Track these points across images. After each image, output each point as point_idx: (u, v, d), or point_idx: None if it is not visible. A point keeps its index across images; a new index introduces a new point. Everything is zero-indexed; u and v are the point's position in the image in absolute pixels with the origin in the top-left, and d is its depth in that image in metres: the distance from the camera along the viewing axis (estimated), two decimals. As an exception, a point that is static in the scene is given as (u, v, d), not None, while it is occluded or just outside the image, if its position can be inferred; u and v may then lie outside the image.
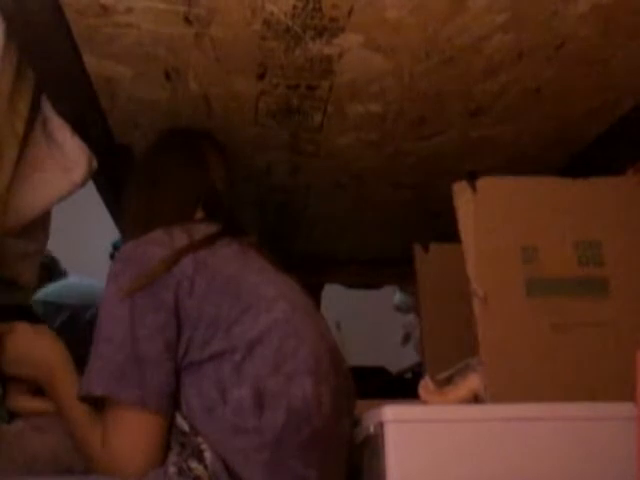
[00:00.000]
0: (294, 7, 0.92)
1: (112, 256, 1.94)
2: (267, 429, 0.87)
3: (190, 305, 0.91)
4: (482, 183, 1.08)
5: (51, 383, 0.98)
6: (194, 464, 0.86)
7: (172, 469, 0.86)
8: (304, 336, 0.94)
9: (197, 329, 0.90)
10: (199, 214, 1.11)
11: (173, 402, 0.90)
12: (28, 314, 1.23)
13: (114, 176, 1.37)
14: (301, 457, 0.89)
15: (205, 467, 0.86)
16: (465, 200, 1.08)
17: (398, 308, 2.39)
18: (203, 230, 1.01)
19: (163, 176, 1.14)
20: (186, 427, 0.89)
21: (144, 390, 0.88)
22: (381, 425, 0.89)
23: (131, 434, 0.88)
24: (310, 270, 1.94)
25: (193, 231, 0.99)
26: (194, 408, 0.89)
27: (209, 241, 0.98)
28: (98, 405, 0.93)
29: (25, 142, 1.15)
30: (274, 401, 0.88)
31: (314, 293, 1.06)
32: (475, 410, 0.94)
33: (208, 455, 0.87)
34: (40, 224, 1.26)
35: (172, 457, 0.88)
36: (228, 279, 0.94)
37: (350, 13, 0.93)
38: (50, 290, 1.76)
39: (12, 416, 1.10)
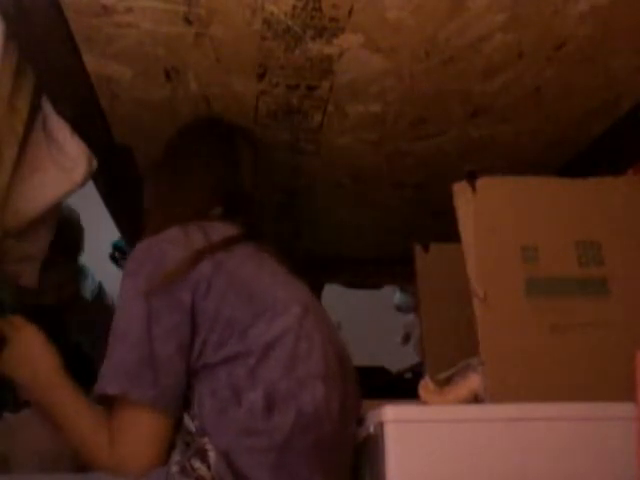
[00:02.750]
0: (294, 7, 0.92)
1: (112, 256, 1.94)
2: (276, 431, 0.88)
3: (206, 307, 0.91)
4: (482, 183, 1.08)
5: (51, 388, 0.95)
6: (197, 464, 0.86)
7: (175, 468, 0.86)
8: (315, 339, 0.94)
9: (213, 331, 0.90)
10: (217, 210, 1.09)
11: (182, 403, 0.91)
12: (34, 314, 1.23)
13: (114, 176, 1.38)
14: (307, 461, 0.90)
15: (208, 467, 0.86)
16: (465, 200, 1.08)
17: (398, 308, 2.39)
18: (220, 230, 1.00)
19: (190, 168, 1.11)
20: (192, 427, 0.89)
21: (157, 390, 0.88)
22: (381, 425, 0.89)
23: (140, 433, 0.89)
24: (310, 270, 1.93)
25: (209, 230, 0.98)
26: (206, 409, 0.89)
27: (227, 244, 0.98)
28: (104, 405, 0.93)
29: (25, 142, 1.15)
30: (284, 404, 0.89)
31: (314, 293, 1.05)
32: (475, 410, 0.94)
33: (212, 455, 0.87)
34: (42, 226, 1.26)
35: (175, 456, 0.88)
36: (244, 282, 0.94)
37: (350, 13, 0.93)
38: None
39: (19, 406, 1.10)
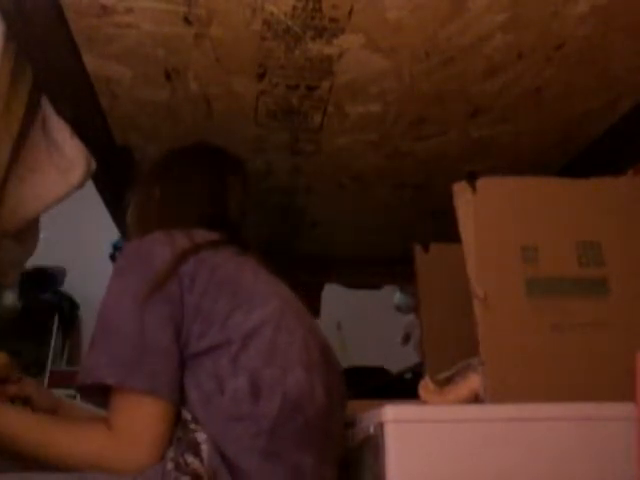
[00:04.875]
0: (294, 7, 0.92)
1: (112, 256, 1.95)
2: (262, 417, 0.89)
3: (190, 300, 0.93)
4: (482, 183, 1.08)
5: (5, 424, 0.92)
6: (190, 458, 0.87)
7: (169, 465, 0.87)
8: (295, 332, 0.97)
9: (195, 322, 0.92)
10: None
11: (180, 391, 0.92)
12: None
13: (114, 176, 1.38)
14: (296, 445, 0.91)
15: (201, 461, 0.87)
16: (465, 200, 1.08)
17: (398, 308, 2.39)
18: (204, 235, 1.03)
19: (180, 184, 1.15)
20: (188, 416, 0.90)
21: (155, 378, 0.89)
22: (381, 425, 0.90)
23: (142, 421, 0.89)
24: (310, 270, 1.94)
25: (193, 234, 1.01)
26: (193, 399, 0.91)
27: (212, 245, 1.01)
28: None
29: (24, 143, 1.14)
30: (270, 390, 0.91)
31: (314, 293, 1.06)
32: (475, 410, 0.94)
33: (205, 448, 0.88)
34: (31, 229, 1.26)
35: (170, 452, 0.89)
36: (226, 276, 0.97)
37: (350, 13, 0.94)
38: None
39: None
